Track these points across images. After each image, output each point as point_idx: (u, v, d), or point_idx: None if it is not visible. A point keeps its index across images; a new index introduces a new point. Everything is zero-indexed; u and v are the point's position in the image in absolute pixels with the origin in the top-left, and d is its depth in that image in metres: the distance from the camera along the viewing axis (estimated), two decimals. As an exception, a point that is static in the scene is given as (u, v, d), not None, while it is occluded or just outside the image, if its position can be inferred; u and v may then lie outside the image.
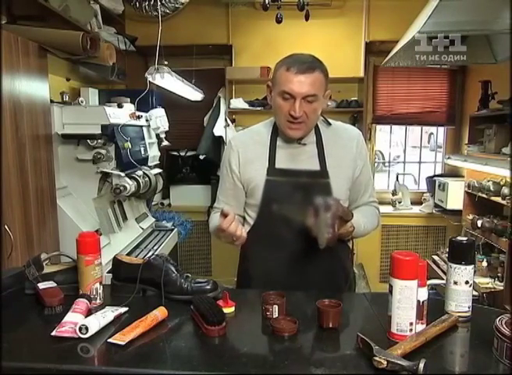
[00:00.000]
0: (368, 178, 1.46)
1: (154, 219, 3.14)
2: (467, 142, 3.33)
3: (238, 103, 3.68)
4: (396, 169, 4.55)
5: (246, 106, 3.68)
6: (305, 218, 1.21)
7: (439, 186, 3.61)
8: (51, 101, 2.14)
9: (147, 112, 2.82)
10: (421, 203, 3.92)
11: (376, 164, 4.54)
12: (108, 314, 1.02)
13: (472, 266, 1.05)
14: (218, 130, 3.59)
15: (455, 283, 1.05)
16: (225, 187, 1.44)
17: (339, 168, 1.36)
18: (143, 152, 2.64)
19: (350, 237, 1.39)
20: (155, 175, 2.71)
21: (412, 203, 3.94)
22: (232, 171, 1.41)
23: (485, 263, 2.90)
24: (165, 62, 2.53)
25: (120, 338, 0.92)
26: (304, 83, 1.24)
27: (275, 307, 1.05)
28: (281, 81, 1.27)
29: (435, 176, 3.91)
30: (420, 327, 0.97)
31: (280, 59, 1.32)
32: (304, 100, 1.26)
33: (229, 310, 1.09)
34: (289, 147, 1.38)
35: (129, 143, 2.34)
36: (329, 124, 1.43)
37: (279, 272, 1.35)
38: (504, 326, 0.87)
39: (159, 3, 2.98)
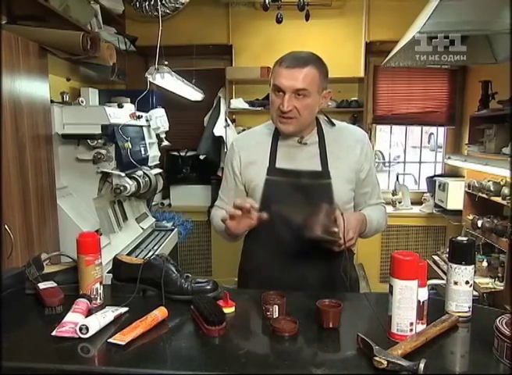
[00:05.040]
0: (375, 180, 1.45)
1: (154, 219, 3.14)
2: (467, 142, 3.33)
3: (238, 103, 3.68)
4: (397, 169, 4.55)
5: (246, 106, 3.68)
6: (304, 219, 1.21)
7: (439, 186, 3.62)
8: (52, 101, 2.14)
9: (147, 112, 2.82)
10: (421, 203, 3.92)
11: (376, 164, 4.54)
12: (109, 314, 1.02)
13: (472, 266, 1.05)
14: (219, 130, 3.59)
15: (455, 283, 1.05)
16: (228, 188, 1.46)
17: (341, 169, 1.35)
18: (143, 152, 2.64)
19: (364, 230, 1.34)
20: (155, 175, 2.71)
21: (412, 203, 3.94)
22: (234, 173, 1.42)
23: (485, 263, 2.90)
24: (165, 62, 2.53)
25: (120, 338, 0.92)
26: (293, 77, 1.24)
27: (276, 307, 1.05)
28: (274, 76, 1.29)
29: (435, 176, 3.91)
30: (420, 327, 0.97)
31: None
32: (295, 94, 1.25)
33: (229, 310, 1.08)
34: (290, 146, 1.37)
35: (129, 143, 2.34)
36: (333, 125, 1.42)
37: (277, 271, 1.35)
38: (504, 326, 0.87)
39: (159, 3, 2.98)
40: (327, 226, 1.17)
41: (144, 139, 2.71)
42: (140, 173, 2.50)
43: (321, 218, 1.17)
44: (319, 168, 1.35)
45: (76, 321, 0.98)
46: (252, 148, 1.41)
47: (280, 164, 1.36)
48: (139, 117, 2.59)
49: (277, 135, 1.39)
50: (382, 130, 4.50)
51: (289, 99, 1.25)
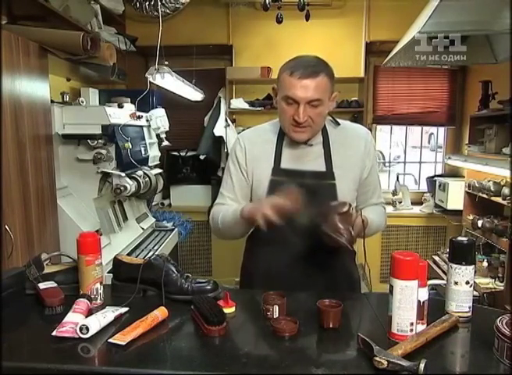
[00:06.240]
0: (376, 179, 1.45)
1: (154, 220, 3.14)
2: (467, 142, 3.33)
3: (238, 103, 3.68)
4: (397, 169, 4.55)
5: (246, 106, 3.68)
6: (308, 219, 1.20)
7: (440, 186, 3.61)
8: (52, 102, 2.14)
9: (147, 112, 2.82)
10: (421, 203, 3.92)
11: (377, 164, 4.54)
12: (109, 314, 1.02)
13: (473, 266, 1.05)
14: (219, 130, 3.59)
15: (455, 283, 1.05)
16: (233, 183, 1.40)
17: (345, 169, 1.35)
18: (143, 152, 2.64)
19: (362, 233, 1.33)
20: (156, 175, 2.71)
21: (412, 203, 3.94)
22: (241, 165, 1.39)
23: (485, 263, 2.90)
24: (166, 62, 2.53)
25: (121, 338, 0.92)
26: (308, 88, 1.22)
27: (276, 307, 1.05)
28: (285, 86, 1.25)
29: (435, 176, 3.91)
30: (420, 327, 0.97)
31: (285, 62, 1.30)
32: (309, 105, 1.24)
33: (229, 310, 1.08)
34: (295, 147, 1.37)
35: (129, 143, 2.34)
36: (338, 124, 1.41)
37: (281, 272, 1.34)
38: (505, 326, 0.86)
39: (159, 3, 2.98)
40: (346, 228, 1.16)
41: (144, 139, 2.71)
42: (140, 173, 2.50)
43: (340, 219, 1.16)
44: (323, 168, 1.35)
45: (76, 321, 0.98)
46: (258, 144, 1.40)
47: (285, 164, 1.36)
48: (139, 117, 2.59)
49: (282, 135, 1.38)
50: (382, 130, 4.50)
51: (303, 109, 1.24)
